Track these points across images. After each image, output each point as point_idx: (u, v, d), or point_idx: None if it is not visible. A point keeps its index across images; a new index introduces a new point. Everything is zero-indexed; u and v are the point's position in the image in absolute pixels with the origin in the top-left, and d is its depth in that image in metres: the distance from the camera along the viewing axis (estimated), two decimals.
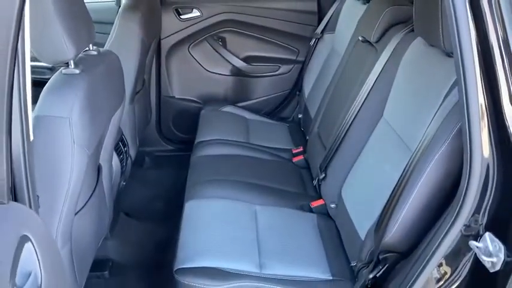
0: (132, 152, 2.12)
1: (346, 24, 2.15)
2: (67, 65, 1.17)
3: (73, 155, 1.09)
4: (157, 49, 2.59)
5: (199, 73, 2.69)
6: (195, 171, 1.91)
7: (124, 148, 1.92)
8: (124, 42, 1.88)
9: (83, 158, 1.13)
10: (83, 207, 1.33)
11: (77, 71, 1.15)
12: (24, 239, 0.61)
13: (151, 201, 2.38)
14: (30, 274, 0.61)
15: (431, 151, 1.07)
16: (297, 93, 2.64)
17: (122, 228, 2.00)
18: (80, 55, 1.27)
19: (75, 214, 1.24)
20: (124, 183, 1.96)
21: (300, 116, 2.49)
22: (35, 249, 0.62)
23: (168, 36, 2.59)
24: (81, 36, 1.18)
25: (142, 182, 2.56)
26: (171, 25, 2.57)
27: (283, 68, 2.69)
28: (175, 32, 2.59)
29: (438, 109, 1.12)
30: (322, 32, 2.45)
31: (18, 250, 0.59)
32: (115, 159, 1.80)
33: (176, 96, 2.73)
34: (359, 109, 1.61)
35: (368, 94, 1.58)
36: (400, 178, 1.16)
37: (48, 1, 1.06)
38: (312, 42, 2.50)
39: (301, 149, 2.14)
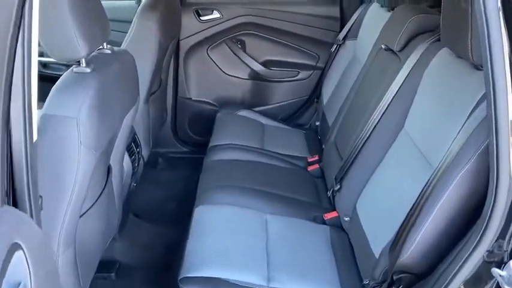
0: (145, 153, 2.10)
1: (369, 31, 2.09)
2: (79, 63, 1.14)
3: (79, 157, 1.06)
4: (176, 50, 2.56)
5: (217, 76, 2.66)
6: (207, 175, 1.87)
7: (136, 149, 1.89)
8: (141, 42, 1.86)
9: (90, 160, 1.10)
10: (89, 208, 1.30)
11: (88, 70, 1.12)
12: (15, 247, 0.57)
13: (162, 203, 2.35)
14: (19, 284, 0.58)
15: (455, 168, 1.01)
16: (316, 100, 2.58)
17: (131, 230, 1.98)
18: (93, 53, 1.24)
19: (81, 216, 1.22)
20: (135, 185, 1.94)
21: (317, 123, 2.44)
22: (26, 258, 0.59)
23: (187, 37, 2.56)
24: (94, 34, 1.16)
25: (155, 184, 2.54)
26: (190, 26, 2.54)
27: (303, 74, 2.64)
28: (195, 33, 2.56)
29: (464, 124, 1.06)
30: (344, 38, 2.39)
31: (7, 258, 0.56)
32: (126, 160, 1.78)
33: (193, 98, 2.70)
34: (379, 119, 1.55)
35: (389, 104, 1.52)
36: (419, 195, 1.10)
37: None
38: (333, 49, 2.44)
39: (316, 157, 2.09)
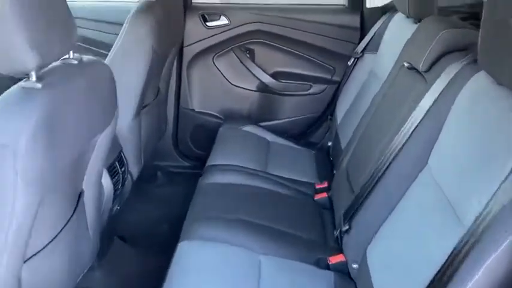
0: (135, 170, 1.90)
1: (391, 45, 1.85)
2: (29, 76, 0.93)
3: (15, 191, 0.85)
4: (179, 57, 2.37)
5: (222, 86, 2.45)
6: (199, 202, 1.66)
7: (121, 168, 1.69)
8: (131, 50, 1.66)
9: (32, 195, 0.90)
10: (45, 246, 1.09)
11: (39, 86, 0.92)
12: None
13: (155, 224, 2.15)
14: None
15: (495, 235, 0.77)
16: (329, 117, 2.34)
17: (114, 257, 1.77)
18: (53, 64, 1.04)
19: (29, 259, 1.01)
20: (118, 208, 1.73)
21: (329, 143, 2.20)
22: None
23: (191, 44, 2.36)
24: (51, 42, 0.95)
25: (150, 201, 2.34)
26: (195, 32, 2.34)
27: (316, 88, 2.40)
28: (200, 40, 2.36)
29: (508, 176, 0.82)
30: (363, 51, 2.15)
31: None
32: (107, 182, 1.58)
33: (196, 109, 2.50)
34: (399, 150, 1.30)
35: (411, 134, 1.27)
36: (447, 261, 0.87)
37: None
38: (350, 62, 2.20)
39: (325, 184, 1.85)
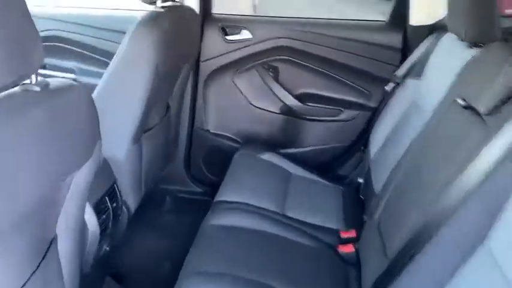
0: (133, 201, 1.66)
1: (439, 72, 1.56)
2: None
3: None
4: (195, 73, 2.13)
5: (241, 106, 2.19)
6: (200, 249, 1.41)
7: (112, 203, 1.45)
8: (129, 68, 1.43)
9: None
10: None
11: None
12: None
13: (157, 258, 1.91)
14: None
15: None
16: (362, 148, 2.05)
17: None
18: (9, 91, 0.81)
19: None
20: (107, 248, 1.50)
21: (360, 179, 1.91)
22: None
23: (209, 59, 2.12)
24: (5, 64, 0.73)
25: (154, 229, 2.11)
26: (214, 46, 2.10)
27: (347, 114, 2.12)
28: (219, 55, 2.11)
29: None
30: (405, 75, 1.86)
31: None
32: (92, 221, 1.34)
33: (211, 130, 2.25)
34: (449, 213, 1.01)
35: (467, 195, 0.98)
36: None
37: None
38: (388, 87, 1.91)
39: (353, 233, 1.57)
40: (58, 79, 0.97)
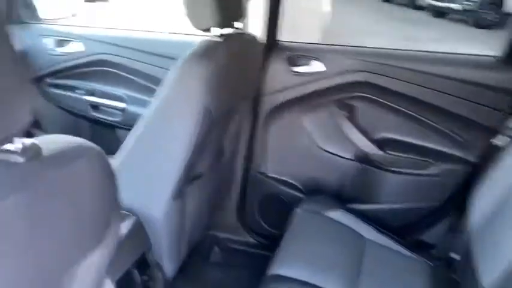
0: (170, 267, 1.37)
1: None
2: None
3: None
4: (254, 109, 1.83)
5: (307, 149, 1.86)
6: None
7: (142, 276, 1.16)
8: (174, 107, 1.15)
9: None
10: None
11: None
12: None
13: None
14: None
15: None
16: (455, 212, 1.64)
17: None
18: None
19: None
20: None
21: (452, 254, 1.50)
22: None
23: (272, 93, 1.81)
24: None
25: (200, 284, 1.82)
26: (280, 78, 1.80)
27: (437, 167, 1.72)
28: (284, 89, 1.80)
29: None
30: None
31: None
32: None
33: (269, 175, 1.94)
34: None
35: None
36: None
37: None
38: (498, 140, 1.50)
39: None
40: (60, 137, 0.69)
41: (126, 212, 1.20)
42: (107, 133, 2.16)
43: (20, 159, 0.59)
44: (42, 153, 0.62)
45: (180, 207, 1.32)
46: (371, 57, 1.72)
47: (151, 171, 1.21)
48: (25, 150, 0.60)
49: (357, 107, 1.79)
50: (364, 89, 1.75)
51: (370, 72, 1.72)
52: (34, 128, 2.20)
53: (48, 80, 2.12)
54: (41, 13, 2.15)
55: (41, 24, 2.09)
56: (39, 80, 2.13)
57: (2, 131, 0.56)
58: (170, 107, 1.16)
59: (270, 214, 1.99)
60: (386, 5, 13.37)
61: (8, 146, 0.59)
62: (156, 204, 1.23)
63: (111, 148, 2.09)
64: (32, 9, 2.14)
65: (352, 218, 1.65)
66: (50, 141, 0.65)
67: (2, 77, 0.54)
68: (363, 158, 1.80)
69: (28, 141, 0.61)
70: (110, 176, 0.73)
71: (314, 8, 4.42)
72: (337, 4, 4.92)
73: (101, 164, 0.71)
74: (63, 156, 0.64)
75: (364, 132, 1.79)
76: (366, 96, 1.76)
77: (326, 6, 4.68)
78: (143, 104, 2.01)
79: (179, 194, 1.28)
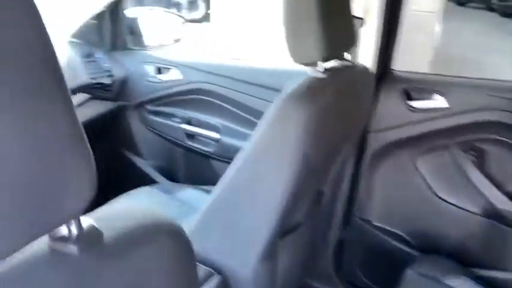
0: None
1: None
2: None
3: None
4: (360, 147, 1.61)
5: (422, 198, 1.59)
6: None
7: None
8: (270, 150, 0.98)
9: None
10: None
11: None
12: None
13: None
14: None
15: None
16: None
17: None
18: (22, 256, 0.43)
19: None
20: None
21: None
22: None
23: (382, 131, 1.58)
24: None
25: None
26: (392, 113, 1.56)
27: None
28: (398, 126, 1.56)
29: None
30: None
31: None
32: None
33: (374, 222, 1.69)
34: None
35: None
36: None
37: None
38: None
39: None
40: (131, 210, 0.55)
41: (209, 269, 1.05)
42: (201, 162, 2.07)
43: (74, 250, 0.45)
44: (104, 240, 0.48)
45: (272, 266, 1.14)
46: (507, 93, 1.42)
47: (241, 225, 1.06)
48: (81, 237, 0.46)
49: (487, 152, 1.48)
50: (496, 129, 1.44)
51: (503, 111, 1.41)
52: (132, 153, 2.19)
53: (148, 107, 2.10)
54: (146, 40, 2.15)
55: (144, 51, 2.09)
56: (139, 106, 2.12)
57: (54, 215, 0.43)
58: (265, 151, 1.00)
59: (372, 268, 1.73)
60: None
61: (62, 230, 0.46)
62: (244, 262, 1.06)
63: (205, 178, 2.01)
64: (138, 36, 2.15)
65: (476, 287, 1.35)
66: (116, 218, 0.51)
67: (61, 154, 0.41)
68: (493, 213, 1.48)
69: (87, 222, 0.47)
70: (188, 258, 0.58)
71: (424, 28, 4.06)
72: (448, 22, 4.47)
73: (179, 243, 0.55)
74: (129, 243, 0.50)
75: (495, 182, 1.47)
76: (500, 140, 1.45)
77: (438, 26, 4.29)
78: (237, 135, 1.89)
79: (271, 252, 1.10)
